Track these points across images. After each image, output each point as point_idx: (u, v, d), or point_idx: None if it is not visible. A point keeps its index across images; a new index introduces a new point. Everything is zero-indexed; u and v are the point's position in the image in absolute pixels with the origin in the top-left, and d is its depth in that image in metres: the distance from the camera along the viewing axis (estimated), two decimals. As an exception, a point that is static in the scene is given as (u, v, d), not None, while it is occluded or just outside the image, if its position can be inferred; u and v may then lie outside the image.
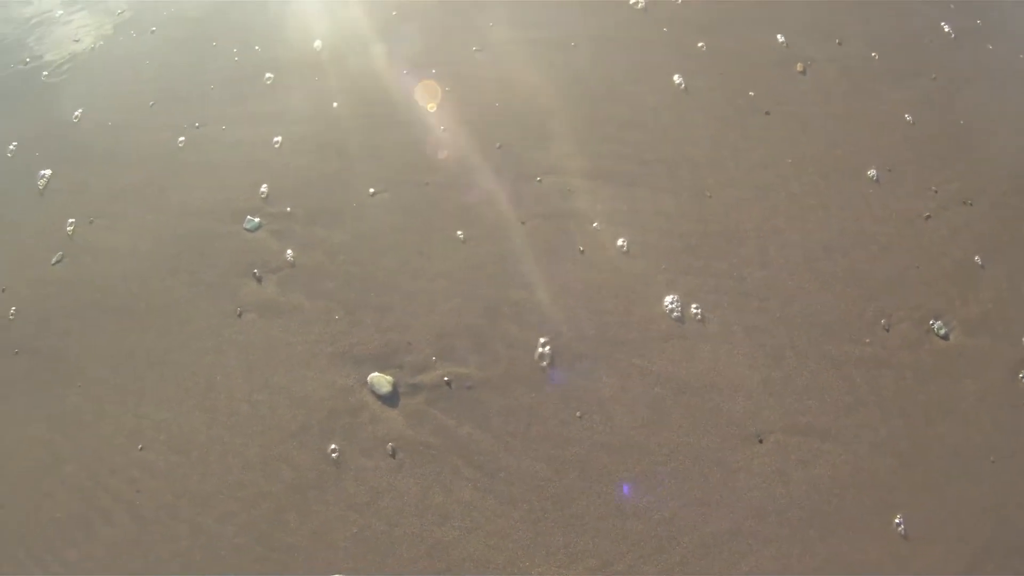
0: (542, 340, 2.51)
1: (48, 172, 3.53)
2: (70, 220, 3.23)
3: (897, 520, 2.11)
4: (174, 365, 2.68)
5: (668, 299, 2.57)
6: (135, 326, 2.82)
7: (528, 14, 3.66)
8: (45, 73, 4.16)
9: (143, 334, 2.79)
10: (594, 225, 2.74)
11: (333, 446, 2.39)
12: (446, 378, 2.47)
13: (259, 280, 2.84)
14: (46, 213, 3.35)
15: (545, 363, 2.47)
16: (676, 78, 3.22)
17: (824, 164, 2.86)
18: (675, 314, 2.54)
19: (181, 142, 3.46)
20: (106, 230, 3.19)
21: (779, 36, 3.35)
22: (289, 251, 2.90)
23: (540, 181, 2.90)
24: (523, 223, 2.79)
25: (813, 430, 2.32)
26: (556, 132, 3.05)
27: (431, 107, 3.23)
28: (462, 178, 2.96)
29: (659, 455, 2.29)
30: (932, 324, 2.52)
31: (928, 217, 2.76)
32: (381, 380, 2.50)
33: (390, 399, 2.47)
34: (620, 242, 2.73)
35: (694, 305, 2.55)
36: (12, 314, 2.94)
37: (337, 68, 3.61)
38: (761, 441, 2.31)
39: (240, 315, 2.75)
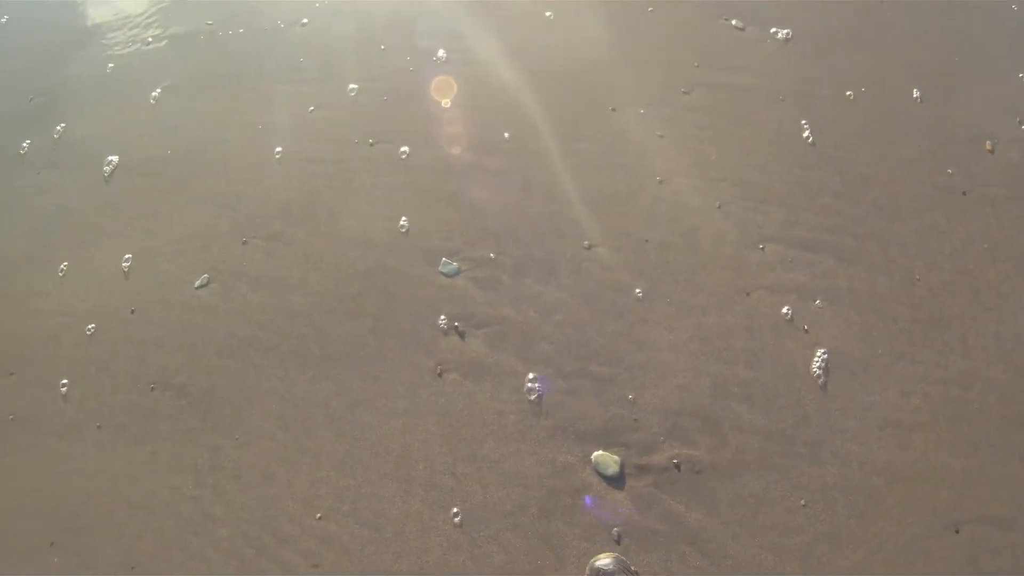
0: (769, 425, 2.43)
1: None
2: (220, 235, 2.66)
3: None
4: (359, 425, 2.36)
5: (884, 386, 2.56)
6: (306, 376, 2.43)
7: (720, 52, 3.31)
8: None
9: (317, 385, 2.42)
10: (816, 303, 2.65)
11: (551, 527, 2.23)
12: (675, 460, 2.35)
13: (461, 335, 2.51)
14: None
15: (770, 449, 2.41)
16: (875, 147, 3.09)
17: (1014, 250, 2.91)
18: (890, 401, 2.54)
19: (351, 160, 2.91)
20: (264, 254, 2.67)
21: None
22: (497, 305, 2.57)
23: (763, 249, 2.73)
24: (748, 294, 2.64)
25: (1002, 521, 2.43)
26: (774, 196, 2.86)
27: (643, 154, 2.90)
28: (683, 237, 2.73)
29: (873, 544, 2.33)
30: (1099, 419, 2.69)
31: (1097, 314, 2.90)
32: (607, 460, 2.34)
33: (616, 480, 2.32)
34: (841, 324, 2.65)
35: (907, 392, 2.56)
36: (142, 342, 2.42)
37: (534, 96, 3.12)
38: (958, 532, 2.40)
39: (440, 374, 2.43)
